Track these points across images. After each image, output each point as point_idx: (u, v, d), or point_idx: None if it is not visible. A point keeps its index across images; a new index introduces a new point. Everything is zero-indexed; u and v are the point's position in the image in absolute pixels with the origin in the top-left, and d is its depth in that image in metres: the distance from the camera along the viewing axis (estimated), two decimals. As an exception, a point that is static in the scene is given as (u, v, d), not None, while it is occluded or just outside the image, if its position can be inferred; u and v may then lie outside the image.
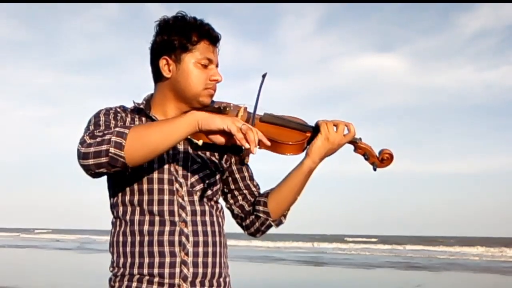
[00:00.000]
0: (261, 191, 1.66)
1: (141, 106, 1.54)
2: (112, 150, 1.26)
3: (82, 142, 1.31)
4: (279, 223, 1.63)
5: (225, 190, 1.64)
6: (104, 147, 1.27)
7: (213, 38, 1.52)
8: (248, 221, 1.63)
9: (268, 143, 1.33)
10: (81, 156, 1.29)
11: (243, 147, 1.26)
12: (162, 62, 1.50)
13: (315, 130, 1.55)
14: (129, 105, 1.57)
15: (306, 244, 31.91)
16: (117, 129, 1.30)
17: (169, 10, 1.54)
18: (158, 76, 1.53)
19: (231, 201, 1.64)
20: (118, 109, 1.52)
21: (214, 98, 1.58)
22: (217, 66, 1.54)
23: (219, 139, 1.31)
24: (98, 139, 1.28)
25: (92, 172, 1.30)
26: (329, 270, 14.29)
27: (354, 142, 1.58)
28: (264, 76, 1.55)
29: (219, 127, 1.27)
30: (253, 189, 1.65)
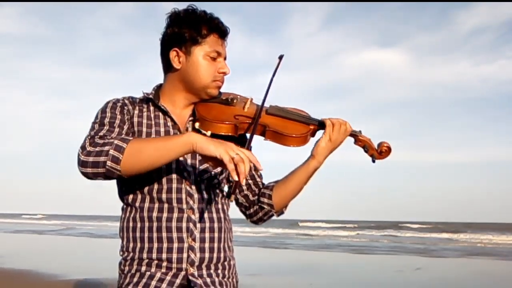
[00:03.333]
0: (263, 181, 1.67)
1: (150, 96, 1.54)
2: (109, 163, 1.28)
3: (83, 147, 1.32)
4: (280, 213, 1.65)
5: (231, 179, 1.64)
6: (102, 159, 1.28)
7: (222, 32, 1.52)
8: (251, 210, 1.64)
9: (261, 168, 1.32)
10: (80, 163, 1.31)
11: (232, 178, 1.23)
12: (173, 54, 1.50)
13: (320, 124, 1.56)
14: (138, 95, 1.57)
15: (301, 230, 31.87)
16: (115, 141, 1.29)
17: (181, 8, 1.54)
18: (168, 67, 1.54)
19: (236, 190, 1.64)
20: (126, 101, 1.52)
21: (222, 90, 1.58)
22: (225, 59, 1.54)
23: (210, 163, 1.30)
24: (98, 149, 1.29)
25: (89, 178, 1.33)
26: (327, 255, 14.35)
27: (355, 135, 1.59)
28: (281, 57, 1.54)
29: (212, 154, 1.25)
30: (257, 179, 1.66)
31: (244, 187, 1.64)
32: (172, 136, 1.35)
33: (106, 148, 1.28)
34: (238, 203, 1.67)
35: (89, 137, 1.36)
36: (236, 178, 1.23)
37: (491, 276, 9.89)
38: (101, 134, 1.38)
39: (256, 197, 1.63)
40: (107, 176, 1.31)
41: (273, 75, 1.52)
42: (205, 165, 1.50)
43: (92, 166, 1.29)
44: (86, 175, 1.32)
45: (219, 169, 1.53)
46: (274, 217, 1.66)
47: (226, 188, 1.58)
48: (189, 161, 1.48)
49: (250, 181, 1.64)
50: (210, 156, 1.26)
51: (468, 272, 10.70)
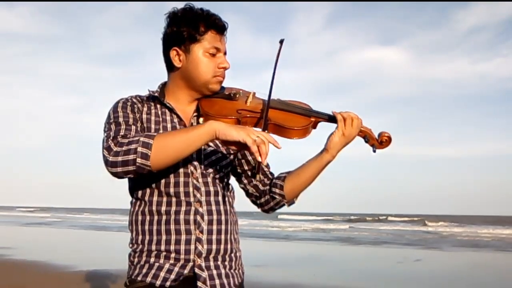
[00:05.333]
0: (271, 170, 1.67)
1: (156, 94, 1.54)
2: (139, 160, 1.29)
3: (108, 149, 1.32)
4: (291, 203, 1.65)
5: (239, 171, 1.64)
6: (131, 157, 1.29)
7: (220, 28, 1.51)
8: (263, 199, 1.64)
9: (280, 147, 1.35)
10: (110, 164, 1.31)
11: (255, 159, 1.29)
12: (173, 53, 1.50)
13: (331, 118, 1.55)
14: (146, 93, 1.57)
15: (305, 224, 31.63)
16: (142, 139, 1.30)
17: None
18: (170, 66, 1.54)
19: (245, 181, 1.65)
20: (134, 100, 1.52)
21: (226, 85, 1.58)
22: (225, 54, 1.53)
23: (233, 147, 1.35)
24: (125, 148, 1.30)
25: (119, 177, 1.34)
26: (326, 247, 14.35)
27: None
28: (281, 42, 1.50)
29: (234, 139, 1.29)
30: (265, 169, 1.66)
31: (253, 178, 1.64)
32: (194, 127, 1.36)
33: (133, 146, 1.29)
34: (248, 194, 1.67)
35: (111, 138, 1.36)
36: (259, 159, 1.27)
37: (488, 268, 9.89)
38: (122, 133, 1.38)
39: (267, 187, 1.63)
40: (137, 172, 1.32)
41: (277, 61, 1.49)
42: (210, 159, 1.50)
43: (122, 165, 1.30)
44: (116, 174, 1.33)
45: (223, 162, 1.53)
46: (285, 207, 1.65)
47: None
48: (194, 155, 1.48)
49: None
50: (233, 141, 1.29)
51: (466, 264, 10.70)
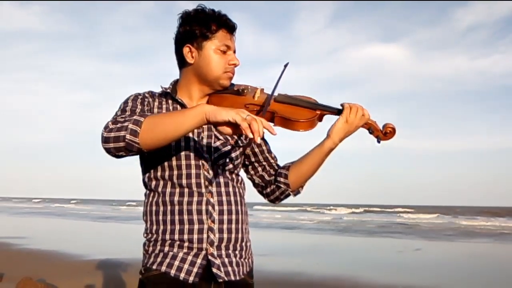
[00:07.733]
0: (279, 163, 1.68)
1: (168, 90, 1.56)
2: (128, 136, 1.28)
3: (106, 127, 1.33)
4: (296, 193, 1.66)
5: (246, 162, 1.66)
6: (122, 133, 1.29)
7: (230, 27, 1.54)
8: (268, 189, 1.66)
9: (275, 133, 1.26)
10: (103, 139, 1.32)
11: (248, 137, 1.21)
12: (186, 50, 1.52)
13: (339, 111, 1.55)
14: (158, 90, 1.59)
15: (309, 214, 31.45)
16: (134, 117, 1.30)
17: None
18: (182, 63, 1.56)
19: (252, 172, 1.67)
20: (147, 94, 1.55)
21: (235, 82, 1.59)
22: (234, 51, 1.56)
23: (226, 130, 1.26)
24: (118, 125, 1.31)
25: (113, 154, 1.33)
26: (332, 238, 14.36)
27: None
28: (285, 66, 1.55)
29: (224, 119, 1.22)
30: (271, 160, 1.67)
31: (260, 169, 1.66)
32: (186, 109, 1.32)
33: (126, 123, 1.30)
34: (255, 184, 1.68)
35: (111, 119, 1.38)
36: (250, 136, 1.18)
37: (485, 257, 9.90)
38: (121, 116, 1.39)
39: (273, 177, 1.64)
40: (127, 149, 1.30)
41: (278, 81, 1.52)
42: (220, 152, 1.52)
43: (114, 141, 1.30)
44: (108, 151, 1.32)
45: (232, 155, 1.54)
46: (291, 197, 1.65)
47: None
48: (205, 148, 1.50)
49: (264, 163, 1.66)
50: (223, 121, 1.22)
51: (466, 253, 10.70)
